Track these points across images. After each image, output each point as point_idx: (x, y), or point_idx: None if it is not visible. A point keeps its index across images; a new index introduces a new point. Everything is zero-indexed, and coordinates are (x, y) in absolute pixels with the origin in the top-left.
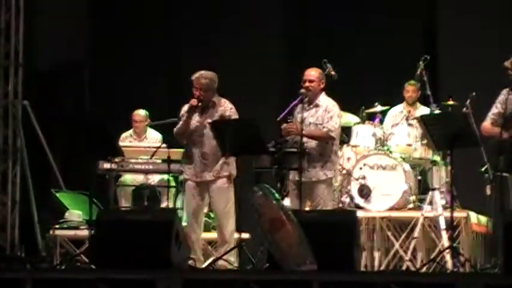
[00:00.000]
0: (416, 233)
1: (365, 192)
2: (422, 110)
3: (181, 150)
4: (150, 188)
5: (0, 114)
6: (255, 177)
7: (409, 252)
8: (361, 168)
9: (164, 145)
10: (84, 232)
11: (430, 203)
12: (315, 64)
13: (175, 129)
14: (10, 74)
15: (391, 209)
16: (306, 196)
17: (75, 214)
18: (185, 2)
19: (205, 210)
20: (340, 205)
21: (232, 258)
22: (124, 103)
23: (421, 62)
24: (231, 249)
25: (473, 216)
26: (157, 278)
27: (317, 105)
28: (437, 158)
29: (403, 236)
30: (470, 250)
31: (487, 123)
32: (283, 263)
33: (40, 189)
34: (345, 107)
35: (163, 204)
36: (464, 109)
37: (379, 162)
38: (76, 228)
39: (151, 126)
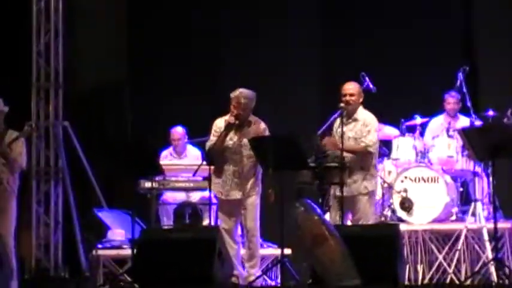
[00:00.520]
0: (459, 245)
1: (407, 205)
2: (463, 121)
3: None
4: (192, 205)
5: (41, 135)
6: (297, 192)
7: (453, 265)
8: (402, 181)
9: (205, 162)
10: (126, 251)
11: (473, 215)
12: (352, 76)
13: (207, 144)
14: (51, 95)
15: (434, 221)
16: (348, 210)
17: (117, 233)
18: (224, 19)
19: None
20: (383, 219)
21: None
22: (164, 121)
23: (460, 73)
24: (274, 265)
25: None
26: None
27: (356, 119)
28: (479, 169)
29: (447, 248)
30: None
31: None
32: (326, 278)
33: (82, 209)
34: (384, 119)
35: (205, 222)
36: (505, 120)
37: (420, 174)
38: (119, 247)
39: (191, 143)
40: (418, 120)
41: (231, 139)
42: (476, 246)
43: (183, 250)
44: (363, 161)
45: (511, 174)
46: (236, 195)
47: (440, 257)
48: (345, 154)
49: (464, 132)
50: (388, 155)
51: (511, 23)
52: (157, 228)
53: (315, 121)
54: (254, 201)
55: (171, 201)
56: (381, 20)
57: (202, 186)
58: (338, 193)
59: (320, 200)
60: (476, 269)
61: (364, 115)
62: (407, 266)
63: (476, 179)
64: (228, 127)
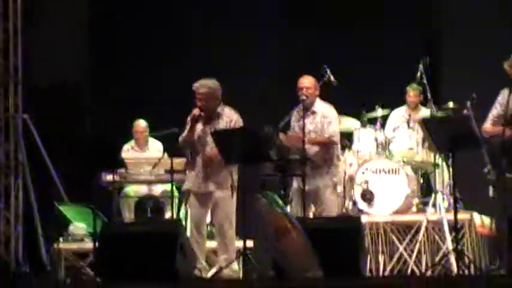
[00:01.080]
0: (420, 236)
1: (368, 197)
2: (424, 113)
3: (183, 159)
4: (154, 199)
5: (1, 128)
6: (259, 185)
7: (414, 256)
8: (363, 173)
9: (166, 155)
10: (88, 245)
11: (434, 206)
12: (313, 68)
13: (180, 138)
14: (10, 90)
15: (395, 213)
16: (311, 202)
17: (79, 227)
18: (184, 13)
19: (208, 219)
20: (344, 210)
21: (236, 267)
22: (124, 115)
23: (420, 65)
24: (237, 258)
25: (477, 218)
26: None
27: (314, 112)
28: (439, 161)
29: (407, 239)
30: (475, 252)
31: (487, 125)
32: (289, 270)
33: (43, 204)
34: (345, 111)
35: (167, 215)
36: (465, 111)
37: (381, 166)
38: (80, 241)
39: (152, 137)
40: (379, 112)
41: (202, 131)
42: (437, 237)
43: (145, 244)
44: (326, 152)
45: (471, 166)
46: (209, 186)
47: (401, 248)
48: (306, 147)
49: (424, 123)
50: (349, 147)
51: (473, 14)
52: (118, 222)
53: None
54: (226, 193)
55: (132, 194)
56: (342, 12)
57: (164, 179)
58: (300, 186)
59: (282, 193)
60: (437, 259)
61: (322, 107)
62: (369, 257)
63: (437, 170)
64: (194, 119)
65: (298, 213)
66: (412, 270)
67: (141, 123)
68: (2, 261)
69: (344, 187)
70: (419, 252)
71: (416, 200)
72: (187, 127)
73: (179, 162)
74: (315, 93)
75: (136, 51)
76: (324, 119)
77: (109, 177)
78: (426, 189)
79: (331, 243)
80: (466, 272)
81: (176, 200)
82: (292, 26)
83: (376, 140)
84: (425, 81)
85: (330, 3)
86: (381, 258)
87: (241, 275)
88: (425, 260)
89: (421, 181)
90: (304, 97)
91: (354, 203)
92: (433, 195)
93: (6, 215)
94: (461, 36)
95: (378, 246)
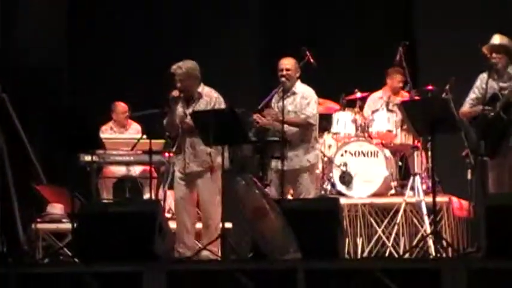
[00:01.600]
0: (398, 219)
1: (346, 179)
2: (403, 96)
3: (162, 141)
4: (132, 179)
5: None
6: (238, 166)
7: (392, 238)
8: (342, 155)
9: (145, 136)
10: (66, 225)
11: (412, 189)
12: (294, 52)
13: (164, 121)
14: None
15: (373, 195)
16: (289, 184)
17: (56, 207)
18: None
19: (195, 201)
20: (322, 192)
21: (215, 248)
22: (103, 95)
23: (400, 48)
24: (215, 239)
25: (455, 201)
26: (141, 270)
27: (294, 93)
28: (418, 144)
29: (386, 221)
30: (453, 234)
31: (465, 108)
32: (267, 251)
33: (20, 184)
34: (324, 94)
35: (146, 196)
36: (444, 94)
37: (360, 148)
38: (58, 221)
39: (131, 118)
40: (358, 94)
41: (184, 112)
42: (415, 220)
43: (124, 224)
44: (304, 134)
45: (449, 149)
46: (194, 167)
47: (380, 231)
48: (285, 128)
49: (403, 106)
50: (328, 129)
51: None
52: (97, 202)
53: (257, 96)
54: (210, 175)
55: (110, 175)
56: None
57: (142, 160)
58: (279, 167)
59: (261, 174)
60: (415, 242)
61: (302, 88)
62: (347, 239)
63: (415, 153)
64: (173, 101)
65: (277, 195)
66: (390, 253)
67: (121, 105)
68: None
69: (323, 169)
70: (397, 234)
71: (394, 183)
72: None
73: (158, 143)
74: (296, 74)
75: (115, 32)
76: (304, 99)
77: (87, 158)
78: (404, 172)
79: (309, 224)
80: (444, 254)
81: (155, 181)
82: (273, 3)
83: (355, 122)
84: (404, 64)
85: None
86: (359, 241)
87: (219, 256)
88: (404, 242)
89: (400, 164)
90: (284, 79)
91: (333, 185)
92: (411, 178)
93: None
94: (439, 19)
95: (356, 228)
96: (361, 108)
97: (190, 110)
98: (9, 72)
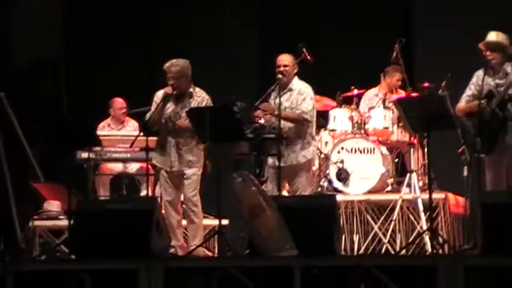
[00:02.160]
0: (395, 216)
1: (343, 176)
2: (399, 93)
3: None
4: (129, 176)
5: None
6: (234, 164)
7: (388, 235)
8: (339, 152)
9: (142, 133)
10: (63, 222)
11: (408, 186)
12: (291, 47)
13: (147, 115)
14: None
15: (370, 192)
16: (286, 180)
17: (53, 204)
18: None
19: (181, 198)
20: (319, 189)
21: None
22: (101, 93)
23: (396, 45)
24: (212, 236)
25: (452, 198)
26: (138, 267)
27: (291, 89)
28: (414, 141)
29: (382, 218)
30: (449, 231)
31: (461, 105)
32: (264, 248)
33: (18, 182)
34: (321, 91)
35: (142, 193)
36: (440, 91)
37: (356, 145)
38: (55, 218)
39: (128, 115)
40: (355, 91)
41: (173, 110)
42: (411, 217)
43: (120, 221)
44: (300, 129)
45: (445, 146)
46: (179, 166)
47: (376, 227)
48: (282, 123)
49: (400, 103)
50: (325, 126)
51: None
52: (94, 199)
53: (254, 93)
54: (196, 172)
55: (107, 172)
56: None
57: (139, 157)
58: (276, 163)
59: (257, 171)
60: (411, 239)
61: (299, 85)
62: (344, 236)
63: (412, 150)
64: (165, 98)
65: (274, 192)
66: (387, 249)
67: (119, 100)
68: None
69: (319, 166)
70: (393, 231)
71: (391, 180)
72: (154, 105)
73: (155, 140)
74: (293, 71)
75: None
76: (299, 95)
77: (84, 155)
78: (401, 169)
79: (305, 221)
80: (440, 251)
81: (152, 178)
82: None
83: (352, 119)
84: (401, 61)
85: None
86: (355, 237)
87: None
88: (400, 239)
89: (396, 160)
90: (280, 75)
91: (329, 182)
92: (407, 174)
93: None
94: (435, 16)
95: (352, 225)
96: (358, 105)
97: (180, 109)
98: (6, 71)
